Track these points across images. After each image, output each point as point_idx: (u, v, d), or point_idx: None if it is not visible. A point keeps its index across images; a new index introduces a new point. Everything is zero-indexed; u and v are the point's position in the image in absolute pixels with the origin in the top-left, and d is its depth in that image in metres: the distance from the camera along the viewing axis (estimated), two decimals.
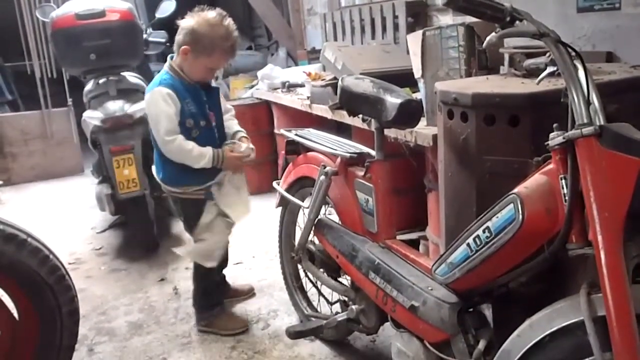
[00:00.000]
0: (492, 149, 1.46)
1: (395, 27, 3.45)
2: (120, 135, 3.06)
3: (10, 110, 5.86)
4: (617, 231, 1.03)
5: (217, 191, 2.19)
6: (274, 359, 2.16)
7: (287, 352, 2.18)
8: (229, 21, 2.15)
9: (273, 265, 2.83)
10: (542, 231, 1.19)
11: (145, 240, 3.28)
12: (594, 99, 1.13)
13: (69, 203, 4.48)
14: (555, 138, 1.15)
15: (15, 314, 1.81)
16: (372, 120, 1.82)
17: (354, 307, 1.87)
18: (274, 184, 2.29)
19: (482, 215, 1.29)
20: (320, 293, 2.24)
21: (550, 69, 1.30)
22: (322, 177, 1.92)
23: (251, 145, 2.25)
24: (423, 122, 2.11)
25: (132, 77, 3.45)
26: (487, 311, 1.48)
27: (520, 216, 1.18)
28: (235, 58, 2.35)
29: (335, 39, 4.18)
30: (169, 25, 3.85)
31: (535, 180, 1.22)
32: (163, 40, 3.73)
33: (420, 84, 2.14)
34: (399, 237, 1.88)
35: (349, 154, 1.87)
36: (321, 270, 2.05)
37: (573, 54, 1.17)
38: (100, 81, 3.28)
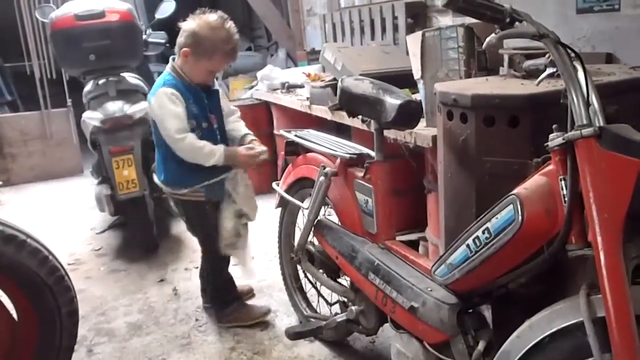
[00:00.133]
0: (492, 150, 1.46)
1: (395, 28, 3.45)
2: (119, 136, 3.06)
3: (9, 110, 5.86)
4: (616, 232, 1.03)
5: (233, 192, 2.18)
6: (273, 359, 2.16)
7: (286, 353, 2.18)
8: (230, 24, 2.15)
9: (272, 266, 2.82)
10: (542, 232, 1.19)
11: (145, 241, 3.28)
12: (594, 100, 1.13)
13: (69, 204, 4.48)
14: (555, 139, 1.15)
15: (15, 315, 1.81)
16: (372, 121, 1.82)
17: (353, 308, 1.87)
18: (274, 184, 2.29)
19: (481, 216, 1.29)
20: (319, 294, 2.24)
21: (549, 70, 1.30)
22: (322, 178, 1.92)
23: (264, 147, 2.25)
24: (422, 123, 2.11)
25: (131, 77, 3.45)
26: (487, 312, 1.48)
27: (520, 217, 1.18)
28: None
29: (335, 39, 4.19)
30: (168, 26, 3.86)
31: (535, 181, 1.22)
32: (163, 41, 3.73)
33: (420, 85, 2.15)
34: (398, 238, 1.88)
35: (348, 155, 1.87)
36: (320, 271, 2.05)
37: (572, 55, 1.17)
38: (100, 82, 3.27)
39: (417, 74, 2.13)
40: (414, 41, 2.14)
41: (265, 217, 2.21)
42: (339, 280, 2.02)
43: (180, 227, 3.68)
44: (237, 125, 2.35)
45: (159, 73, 5.74)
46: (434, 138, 1.97)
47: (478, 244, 1.28)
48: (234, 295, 2.45)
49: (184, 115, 2.12)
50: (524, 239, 1.20)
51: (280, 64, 5.01)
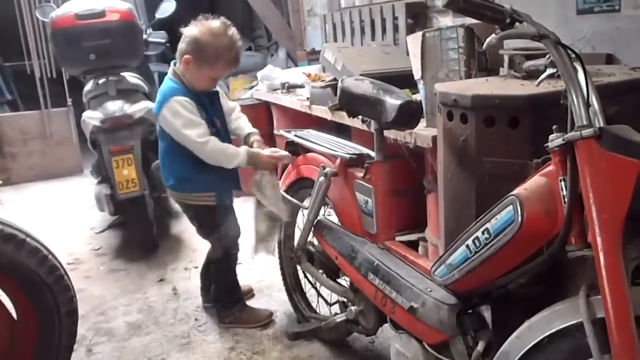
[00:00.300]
0: (492, 150, 1.46)
1: (395, 28, 3.45)
2: (119, 136, 3.07)
3: (9, 110, 5.86)
4: (616, 233, 1.03)
5: (261, 195, 2.12)
6: (273, 359, 2.16)
7: (286, 353, 2.18)
8: (232, 30, 2.13)
9: (272, 266, 2.82)
10: (542, 233, 1.19)
11: (145, 240, 3.28)
12: (594, 101, 1.13)
13: (68, 203, 4.48)
14: (555, 140, 1.15)
15: (14, 314, 1.81)
16: (372, 121, 1.82)
17: (353, 308, 1.87)
18: None
19: (481, 217, 1.29)
20: (319, 294, 2.25)
21: (549, 71, 1.30)
22: (322, 178, 1.92)
23: (286, 152, 2.20)
24: (422, 123, 2.10)
25: (131, 77, 3.45)
26: (486, 313, 1.48)
27: (520, 218, 1.17)
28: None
29: (335, 40, 4.18)
30: (168, 26, 3.86)
31: (535, 182, 1.22)
32: (163, 40, 3.73)
33: (420, 86, 2.14)
34: (398, 238, 1.89)
35: (348, 155, 1.87)
36: (320, 271, 2.05)
37: (573, 55, 1.17)
38: (100, 81, 3.28)
39: (417, 74, 2.13)
40: (414, 41, 2.14)
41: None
42: (339, 280, 2.02)
43: (179, 227, 3.69)
44: (240, 124, 2.34)
45: (159, 73, 5.74)
46: (434, 138, 1.97)
47: (478, 244, 1.28)
48: (238, 297, 2.45)
49: (200, 120, 2.11)
50: (523, 239, 1.19)
51: (281, 64, 5.01)
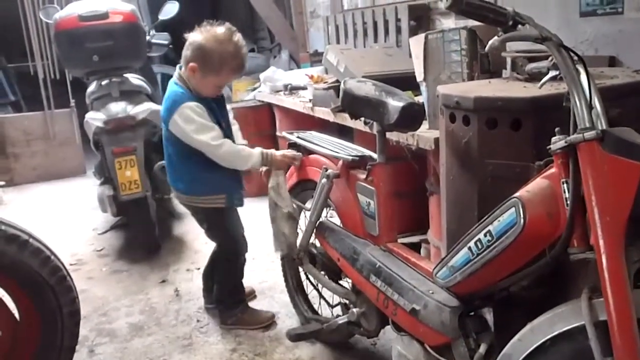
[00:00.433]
0: (494, 152, 1.46)
1: (398, 30, 3.45)
2: (122, 137, 3.07)
3: (13, 111, 5.88)
4: (618, 236, 1.03)
5: (278, 197, 2.10)
6: None
7: (287, 355, 2.18)
8: (238, 37, 2.12)
9: (274, 267, 2.83)
10: (544, 235, 1.19)
11: (147, 241, 3.29)
12: (596, 103, 1.13)
13: (71, 204, 4.49)
14: (557, 142, 1.15)
15: (17, 315, 1.82)
16: (374, 123, 1.82)
17: (354, 310, 1.87)
18: None
19: (483, 219, 1.28)
20: (321, 296, 2.24)
21: (552, 73, 1.30)
22: (324, 180, 1.92)
23: (298, 153, 2.19)
24: (425, 125, 2.10)
25: (134, 78, 3.45)
26: (488, 315, 1.48)
27: (522, 220, 1.17)
28: None
29: (338, 41, 4.19)
30: (171, 28, 3.87)
31: (537, 184, 1.22)
32: (166, 42, 3.74)
33: (423, 87, 2.14)
34: (400, 240, 1.88)
35: (350, 157, 1.87)
36: (322, 272, 2.05)
37: (575, 58, 1.17)
38: (103, 83, 3.28)
39: (419, 76, 2.13)
40: (416, 43, 2.14)
41: (267, 218, 2.21)
42: (341, 282, 2.01)
43: (182, 228, 3.69)
44: (233, 131, 2.34)
45: (162, 74, 5.75)
46: (436, 140, 1.97)
47: (480, 246, 1.28)
48: (241, 298, 2.45)
49: (212, 124, 2.12)
50: (526, 242, 1.19)
51: (283, 65, 5.01)
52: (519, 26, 1.23)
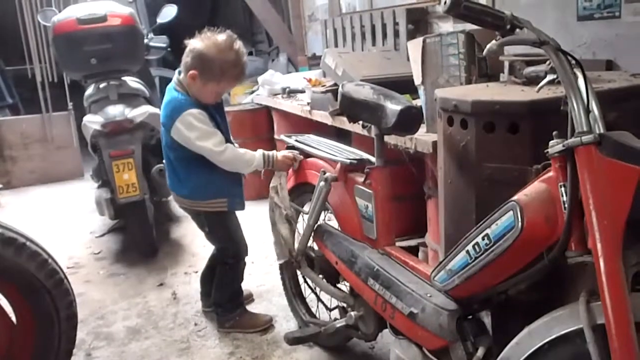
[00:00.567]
0: (492, 156, 1.46)
1: (396, 33, 3.45)
2: (120, 140, 3.07)
3: (10, 113, 5.87)
4: (616, 239, 1.03)
5: (278, 198, 2.12)
6: None
7: (285, 358, 2.18)
8: (238, 45, 2.12)
9: (272, 270, 2.82)
10: (542, 239, 1.19)
11: (144, 244, 3.28)
12: (594, 107, 1.13)
13: (69, 207, 4.48)
14: (555, 146, 1.15)
15: (13, 318, 1.81)
16: (372, 126, 1.82)
17: (352, 313, 1.87)
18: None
19: (481, 223, 1.28)
20: (319, 299, 2.24)
21: (550, 77, 1.30)
22: (322, 183, 1.92)
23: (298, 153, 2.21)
24: (423, 128, 2.11)
25: (132, 81, 3.45)
26: (486, 318, 1.48)
27: (520, 223, 1.17)
28: None
29: (336, 45, 4.19)
30: (170, 31, 3.88)
31: (535, 187, 1.22)
32: (164, 45, 3.74)
33: (421, 91, 2.15)
34: (398, 243, 1.88)
35: (348, 160, 1.87)
36: (320, 276, 2.05)
37: (573, 62, 1.18)
38: (101, 85, 3.28)
39: (417, 79, 2.14)
40: (414, 47, 2.15)
41: (265, 222, 2.21)
42: (339, 285, 2.01)
43: (179, 232, 3.69)
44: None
45: (160, 77, 5.73)
46: (434, 144, 1.97)
47: (478, 250, 1.28)
48: (239, 302, 2.45)
49: (215, 129, 2.13)
50: (523, 245, 1.19)
51: (281, 69, 5.02)
52: (517, 30, 1.24)
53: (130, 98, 3.28)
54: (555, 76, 1.24)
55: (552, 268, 1.20)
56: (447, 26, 3.15)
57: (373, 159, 1.83)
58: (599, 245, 1.04)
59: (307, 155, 2.12)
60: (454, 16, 1.26)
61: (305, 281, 2.27)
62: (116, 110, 3.11)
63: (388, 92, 1.78)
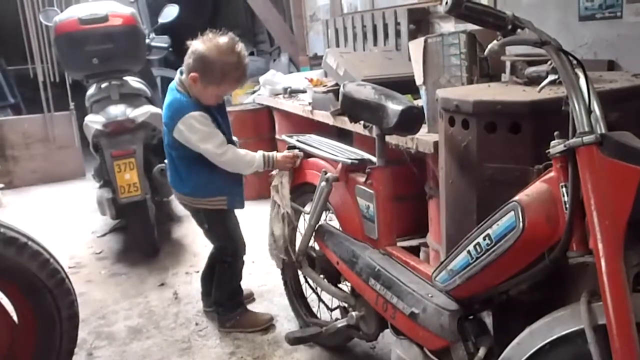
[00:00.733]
0: (493, 156, 1.46)
1: (397, 33, 3.45)
2: (121, 140, 3.07)
3: (12, 113, 5.88)
4: (617, 239, 1.03)
5: (278, 197, 2.15)
6: None
7: (286, 358, 2.18)
8: (240, 47, 2.12)
9: (273, 270, 2.81)
10: (543, 239, 1.19)
11: (146, 244, 3.29)
12: (595, 107, 1.13)
13: (70, 207, 4.48)
14: (556, 146, 1.15)
15: (15, 318, 1.81)
16: (374, 126, 1.82)
17: (353, 313, 1.87)
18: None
19: (482, 223, 1.28)
20: (320, 299, 2.24)
21: (551, 77, 1.30)
22: (323, 183, 1.92)
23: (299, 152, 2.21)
24: (424, 129, 2.11)
25: (134, 81, 3.46)
26: (487, 319, 1.48)
27: (521, 224, 1.17)
28: None
29: (338, 45, 4.19)
30: (171, 31, 3.88)
31: (536, 188, 1.22)
32: (165, 45, 3.75)
33: (422, 91, 2.15)
34: (399, 243, 1.88)
35: (350, 160, 1.87)
36: (321, 276, 2.05)
37: (574, 62, 1.18)
38: (103, 85, 3.28)
39: (419, 80, 2.13)
40: (416, 47, 2.15)
41: (266, 222, 2.22)
42: (340, 285, 2.01)
43: (181, 231, 3.69)
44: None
45: (162, 77, 5.73)
46: (436, 144, 1.97)
47: (479, 250, 1.28)
48: (240, 301, 2.45)
49: (216, 131, 2.14)
50: (525, 245, 1.19)
51: (283, 68, 5.02)
52: (518, 30, 1.24)
53: (131, 98, 3.28)
54: (556, 76, 1.24)
55: (554, 268, 1.20)
56: (448, 26, 3.14)
57: (374, 159, 1.83)
58: (600, 246, 1.04)
59: (309, 155, 2.12)
60: (455, 16, 1.26)
61: (307, 281, 2.27)
62: (118, 110, 3.11)
63: (389, 92, 1.78)
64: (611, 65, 2.19)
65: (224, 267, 2.40)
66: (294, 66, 5.15)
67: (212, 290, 2.47)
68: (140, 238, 3.29)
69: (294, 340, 2.04)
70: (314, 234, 2.04)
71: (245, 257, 2.44)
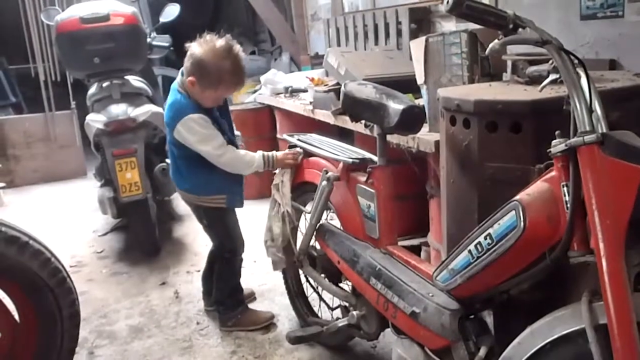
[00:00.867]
0: (494, 155, 1.46)
1: (399, 33, 3.45)
2: (122, 139, 3.07)
3: (13, 112, 5.88)
4: (619, 239, 1.03)
5: (278, 195, 2.16)
6: None
7: (287, 357, 2.18)
8: (236, 51, 2.13)
9: None
10: (544, 238, 1.19)
11: (147, 243, 3.29)
12: (597, 106, 1.13)
13: (71, 206, 4.49)
14: (558, 145, 1.15)
15: (16, 316, 1.82)
16: (375, 126, 1.82)
17: (354, 312, 1.87)
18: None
19: (483, 222, 1.28)
20: (321, 298, 2.24)
21: (552, 77, 1.30)
22: (324, 183, 1.92)
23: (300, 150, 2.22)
24: (425, 128, 2.11)
25: (135, 80, 3.46)
26: (488, 318, 1.48)
27: (522, 223, 1.17)
28: None
29: (339, 44, 4.19)
30: (172, 30, 3.88)
31: (537, 187, 1.22)
32: (167, 44, 3.75)
33: (423, 90, 2.15)
34: (400, 243, 1.88)
35: (351, 160, 1.87)
36: (322, 275, 2.05)
37: (576, 61, 1.18)
38: (104, 85, 3.28)
39: (420, 79, 2.13)
40: (417, 46, 2.15)
41: (266, 220, 2.22)
42: (341, 284, 2.01)
43: (182, 230, 3.69)
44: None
45: (163, 76, 5.72)
46: (437, 143, 1.97)
47: (480, 249, 1.28)
48: (240, 299, 2.46)
49: (215, 132, 2.15)
50: (526, 245, 1.19)
51: (284, 68, 5.02)
52: (520, 29, 1.24)
53: (133, 97, 3.28)
54: (558, 76, 1.24)
55: (555, 268, 1.20)
56: (449, 25, 3.14)
57: (375, 158, 1.83)
58: (601, 245, 1.04)
59: (310, 154, 2.12)
60: (456, 15, 1.26)
61: (308, 280, 2.27)
62: (119, 109, 3.11)
63: (390, 92, 1.78)
64: (612, 65, 2.18)
65: (222, 265, 2.41)
66: (295, 65, 5.15)
67: (212, 290, 2.48)
68: (142, 237, 3.30)
69: (295, 340, 2.04)
70: (315, 233, 2.04)
71: (246, 256, 2.45)
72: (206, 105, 2.17)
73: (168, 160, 3.12)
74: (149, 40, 3.62)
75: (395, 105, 1.67)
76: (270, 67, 4.87)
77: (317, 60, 4.38)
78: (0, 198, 4.68)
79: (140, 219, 3.20)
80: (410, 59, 2.33)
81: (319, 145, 2.08)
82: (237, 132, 2.38)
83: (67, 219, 4.13)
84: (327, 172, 1.93)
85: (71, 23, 3.27)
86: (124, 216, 3.38)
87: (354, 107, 1.88)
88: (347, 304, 1.96)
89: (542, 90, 1.38)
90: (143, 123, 3.11)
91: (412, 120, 1.68)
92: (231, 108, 2.52)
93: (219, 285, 2.43)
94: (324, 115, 3.06)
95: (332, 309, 2.19)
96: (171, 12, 3.70)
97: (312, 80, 3.49)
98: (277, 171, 2.21)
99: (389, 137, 1.92)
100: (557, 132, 1.16)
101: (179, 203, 4.03)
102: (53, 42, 3.94)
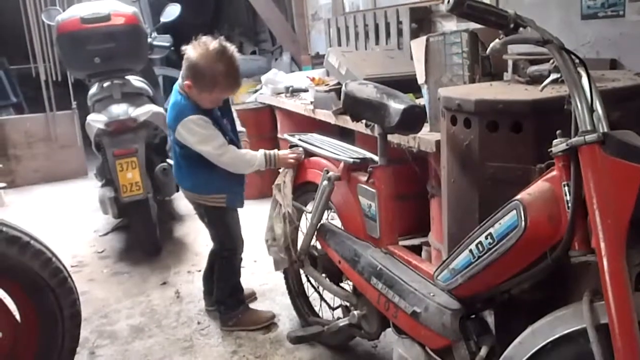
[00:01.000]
0: (495, 155, 1.46)
1: (399, 32, 3.45)
2: (123, 139, 3.08)
3: (14, 112, 5.89)
4: (620, 238, 1.03)
5: (280, 195, 2.16)
6: None
7: (288, 357, 2.18)
8: (230, 53, 2.13)
9: None
10: (545, 238, 1.19)
11: (148, 243, 3.29)
12: (598, 106, 1.13)
13: (72, 206, 4.49)
14: (559, 145, 1.15)
15: (17, 316, 1.82)
16: (376, 125, 1.82)
17: (355, 312, 1.87)
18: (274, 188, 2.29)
19: (484, 222, 1.28)
20: (322, 298, 2.24)
21: (553, 76, 1.30)
22: (325, 182, 1.92)
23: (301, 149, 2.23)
24: (426, 128, 2.11)
25: (136, 80, 3.46)
26: (489, 318, 1.48)
27: (523, 223, 1.17)
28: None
29: (339, 44, 4.19)
30: (173, 29, 3.88)
31: (538, 187, 1.22)
32: (167, 44, 3.74)
33: (424, 90, 2.15)
34: (401, 242, 1.88)
35: (352, 159, 1.87)
36: (323, 275, 2.05)
37: (577, 61, 1.17)
38: (105, 85, 3.29)
39: (421, 78, 2.13)
40: (418, 46, 2.14)
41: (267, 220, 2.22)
42: (342, 284, 2.01)
43: (183, 230, 3.69)
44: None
45: (164, 76, 5.72)
46: (438, 143, 1.97)
47: (481, 249, 1.28)
48: (241, 299, 2.46)
49: (216, 132, 2.16)
50: (527, 244, 1.19)
51: (285, 67, 5.02)
52: (521, 29, 1.24)
53: (133, 97, 3.28)
54: (558, 75, 1.24)
55: (556, 267, 1.20)
56: (450, 25, 3.14)
57: (376, 158, 1.83)
58: (602, 245, 1.04)
59: (311, 154, 2.12)
60: (457, 15, 1.25)
61: (308, 280, 2.27)
62: (120, 109, 3.12)
63: (391, 91, 1.78)
64: (614, 64, 2.18)
65: (222, 263, 2.42)
66: (295, 65, 5.14)
67: (213, 289, 2.48)
68: (143, 237, 3.30)
69: (296, 339, 2.05)
70: (316, 233, 2.04)
71: (247, 256, 2.45)
72: (204, 107, 2.18)
73: (169, 160, 3.13)
74: (149, 40, 3.62)
75: (396, 105, 1.67)
76: (271, 67, 4.87)
77: (317, 60, 4.38)
78: (1, 198, 4.69)
79: (141, 219, 3.20)
80: (411, 58, 2.33)
81: (319, 145, 2.08)
82: (241, 129, 2.38)
83: (68, 219, 4.13)
84: (328, 172, 1.93)
85: (72, 23, 3.27)
86: (125, 216, 3.38)
87: (354, 106, 1.88)
88: (348, 304, 1.96)
89: (543, 90, 1.38)
90: (144, 123, 3.11)
91: (412, 120, 1.68)
92: (232, 107, 2.52)
93: (219, 285, 2.44)
94: (325, 115, 3.06)
95: (333, 309, 2.19)
96: (172, 12, 3.70)
97: (312, 80, 3.49)
98: (280, 171, 2.21)
99: (389, 137, 1.92)
100: (558, 132, 1.16)
101: (180, 203, 4.04)
102: (54, 42, 3.94)
